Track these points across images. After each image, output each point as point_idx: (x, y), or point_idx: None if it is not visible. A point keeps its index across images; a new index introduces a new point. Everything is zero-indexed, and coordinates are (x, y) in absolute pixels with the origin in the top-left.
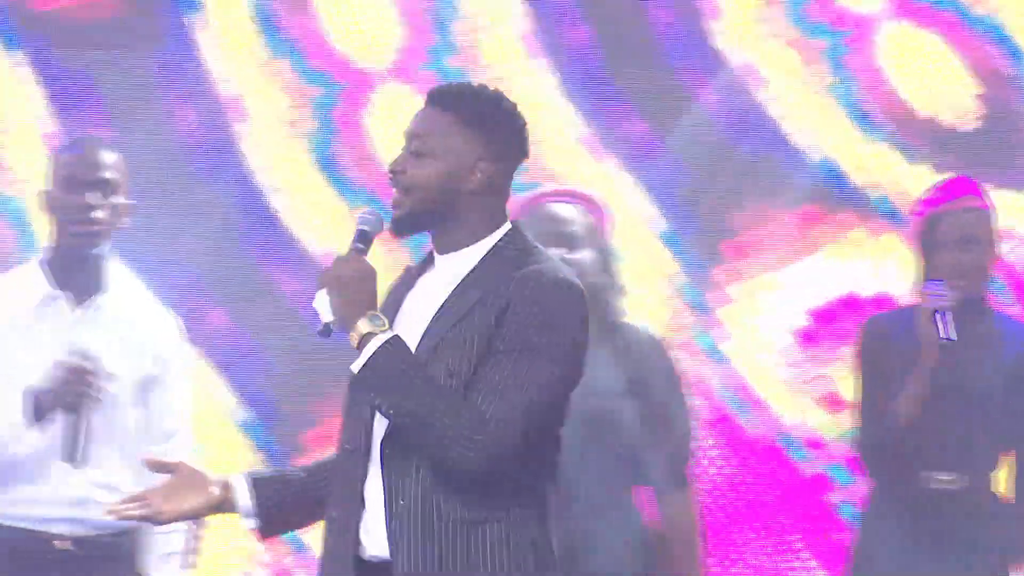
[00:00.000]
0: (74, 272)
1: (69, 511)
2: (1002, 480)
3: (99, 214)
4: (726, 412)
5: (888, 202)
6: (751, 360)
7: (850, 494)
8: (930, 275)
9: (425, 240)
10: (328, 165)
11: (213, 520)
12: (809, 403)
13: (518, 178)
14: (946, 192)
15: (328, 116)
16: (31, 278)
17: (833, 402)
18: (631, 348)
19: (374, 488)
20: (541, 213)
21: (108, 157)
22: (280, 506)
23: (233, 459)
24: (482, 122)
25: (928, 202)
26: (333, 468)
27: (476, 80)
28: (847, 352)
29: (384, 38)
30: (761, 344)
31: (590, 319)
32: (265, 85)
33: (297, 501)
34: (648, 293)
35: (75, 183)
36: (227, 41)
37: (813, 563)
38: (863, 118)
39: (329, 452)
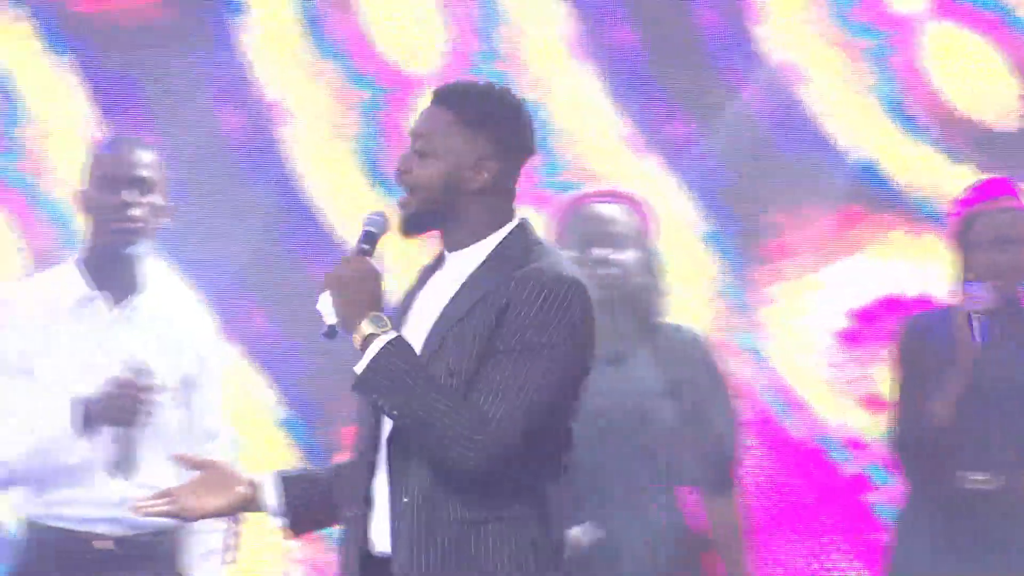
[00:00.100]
0: (111, 272)
1: (109, 511)
2: None
3: (135, 212)
4: (767, 413)
5: (929, 203)
6: (792, 361)
7: (891, 495)
8: (966, 275)
9: None
10: (372, 168)
11: (251, 518)
12: (850, 404)
13: (561, 178)
14: (982, 192)
15: (373, 120)
16: (67, 278)
17: (874, 403)
18: (673, 348)
19: (381, 487)
20: (586, 213)
21: (145, 156)
22: (308, 504)
23: (274, 457)
24: (484, 121)
25: (964, 202)
26: (349, 467)
27: (520, 84)
28: (888, 353)
29: (429, 43)
30: (802, 345)
31: (631, 320)
32: (310, 88)
33: (324, 499)
34: (689, 294)
35: (111, 181)
36: (272, 44)
37: (855, 564)
38: (905, 119)
39: None
